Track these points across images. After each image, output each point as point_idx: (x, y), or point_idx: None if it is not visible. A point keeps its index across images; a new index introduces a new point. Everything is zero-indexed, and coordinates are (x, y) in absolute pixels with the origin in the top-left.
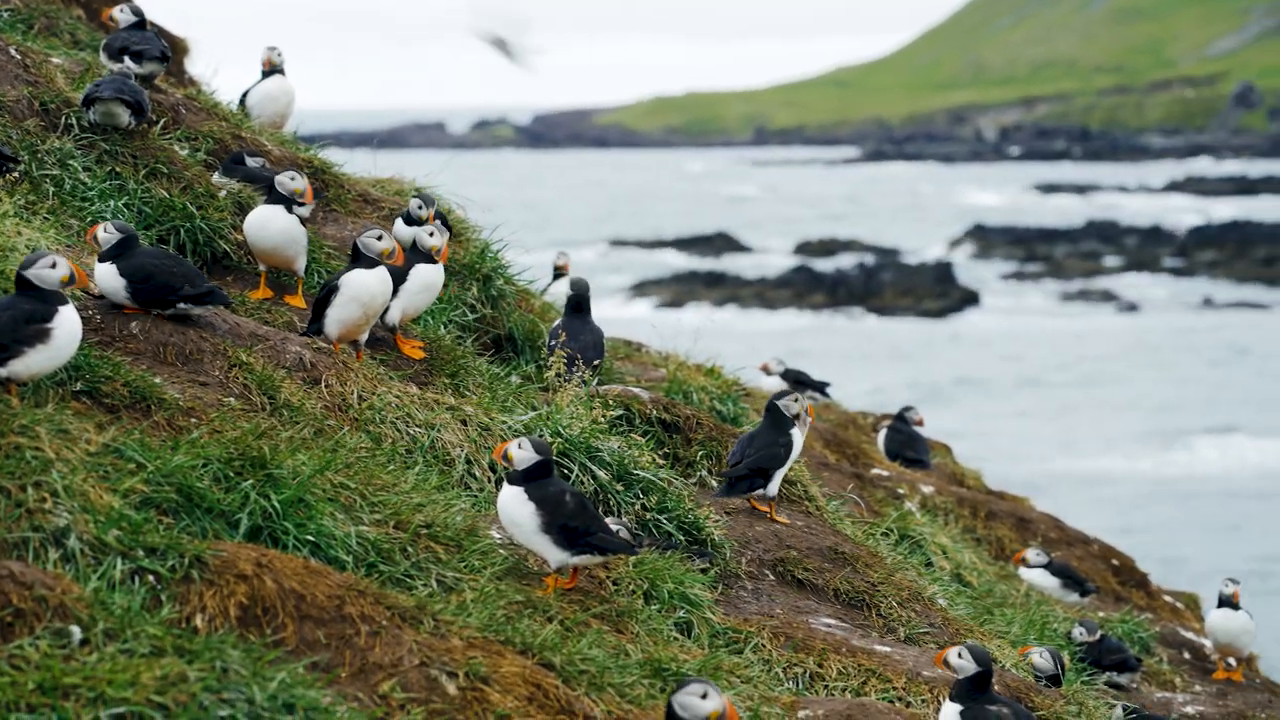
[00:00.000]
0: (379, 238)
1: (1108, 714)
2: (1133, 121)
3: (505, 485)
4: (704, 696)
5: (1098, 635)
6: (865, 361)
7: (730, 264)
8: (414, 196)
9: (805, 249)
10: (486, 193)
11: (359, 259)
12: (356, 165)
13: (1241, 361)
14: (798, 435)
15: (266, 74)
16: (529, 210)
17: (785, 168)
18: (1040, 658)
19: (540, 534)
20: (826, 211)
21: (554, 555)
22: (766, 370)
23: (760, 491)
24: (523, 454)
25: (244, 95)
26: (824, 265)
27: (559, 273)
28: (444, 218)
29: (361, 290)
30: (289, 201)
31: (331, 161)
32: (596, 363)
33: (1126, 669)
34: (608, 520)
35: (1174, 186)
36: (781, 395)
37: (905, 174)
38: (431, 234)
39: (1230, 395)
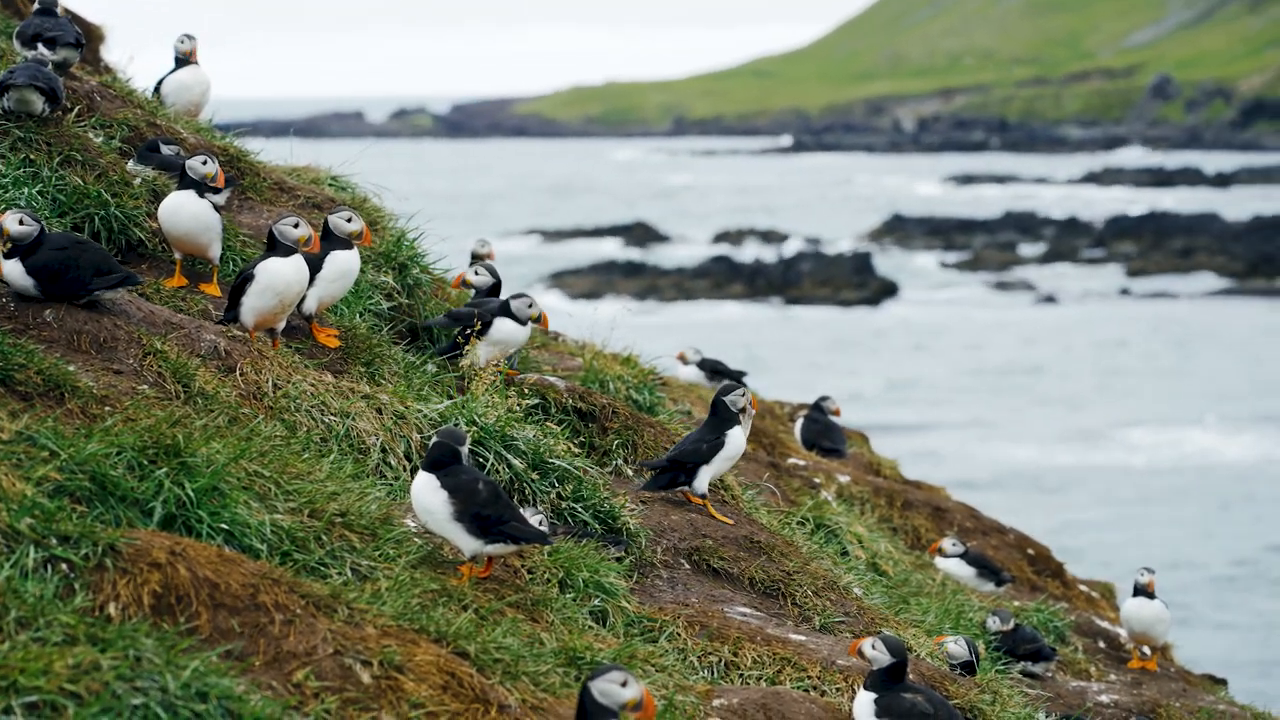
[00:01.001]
0: (295, 225)
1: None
2: (1050, 113)
3: (419, 473)
4: (624, 685)
5: (1012, 625)
6: (784, 351)
7: (649, 254)
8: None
9: (724, 239)
10: (404, 182)
11: (275, 247)
12: (274, 154)
13: (1159, 352)
14: (736, 434)
15: (180, 62)
16: (447, 200)
17: (704, 158)
18: (955, 645)
19: (453, 522)
20: (745, 202)
21: (467, 544)
22: (683, 359)
23: (684, 488)
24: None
25: (158, 83)
26: (743, 255)
27: (477, 261)
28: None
29: (277, 279)
30: (201, 186)
31: (247, 149)
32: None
33: (1041, 658)
34: (524, 509)
35: (1091, 178)
36: (728, 390)
37: (824, 164)
38: (350, 219)
39: (1148, 385)
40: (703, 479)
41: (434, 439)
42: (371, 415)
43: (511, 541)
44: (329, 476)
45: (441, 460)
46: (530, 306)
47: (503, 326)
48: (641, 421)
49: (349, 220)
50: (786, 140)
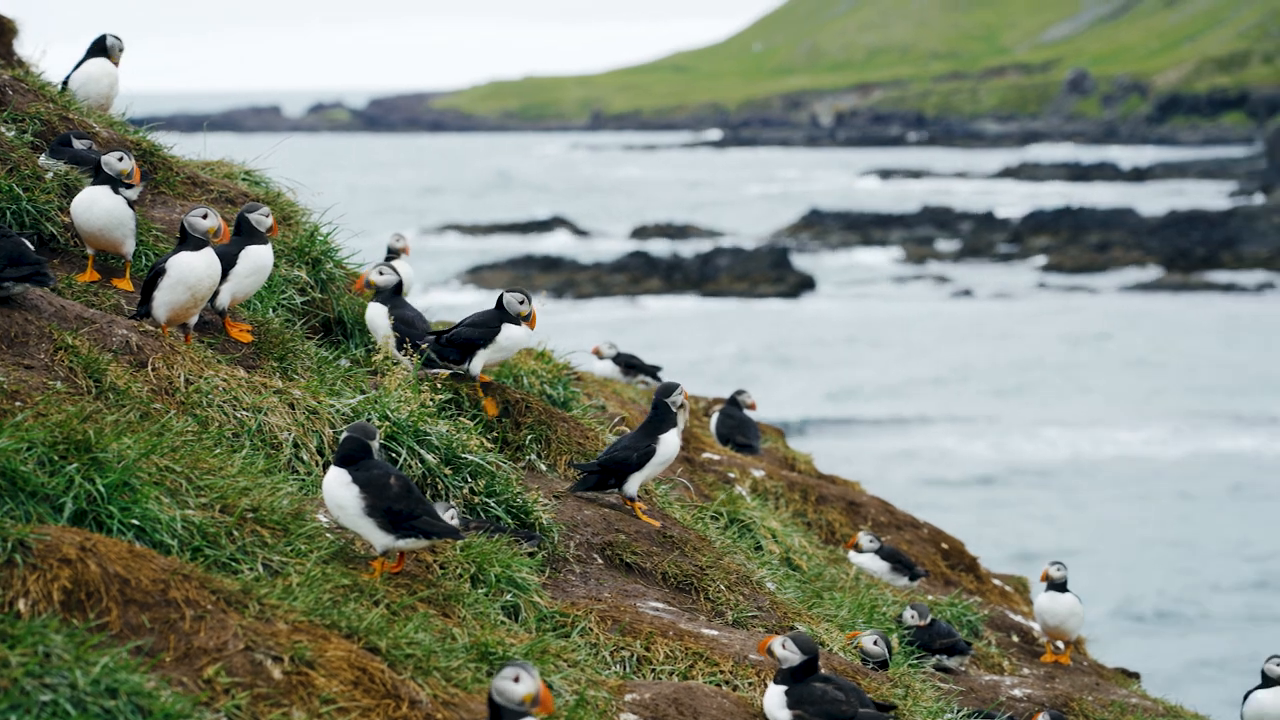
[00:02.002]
0: (204, 216)
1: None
2: (967, 108)
3: (330, 468)
4: (516, 680)
5: (928, 619)
6: (700, 346)
7: (567, 249)
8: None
9: (642, 233)
10: (320, 176)
11: (186, 240)
12: (188, 149)
13: (1074, 347)
14: (669, 439)
15: (89, 55)
16: (363, 194)
17: (622, 153)
18: (870, 642)
19: (365, 517)
20: (663, 196)
21: (379, 539)
22: (598, 354)
23: (615, 491)
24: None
25: (66, 78)
26: (660, 250)
27: (393, 256)
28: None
29: (189, 273)
30: (116, 182)
31: (161, 144)
32: (424, 345)
33: (956, 652)
34: (437, 505)
35: (1008, 173)
36: (669, 390)
37: (741, 159)
38: (265, 215)
39: (1063, 380)
40: (633, 483)
41: (345, 434)
42: (284, 410)
43: (423, 536)
44: (241, 472)
45: (352, 455)
46: (522, 303)
47: (511, 333)
48: (555, 416)
49: (265, 215)
50: (705, 135)
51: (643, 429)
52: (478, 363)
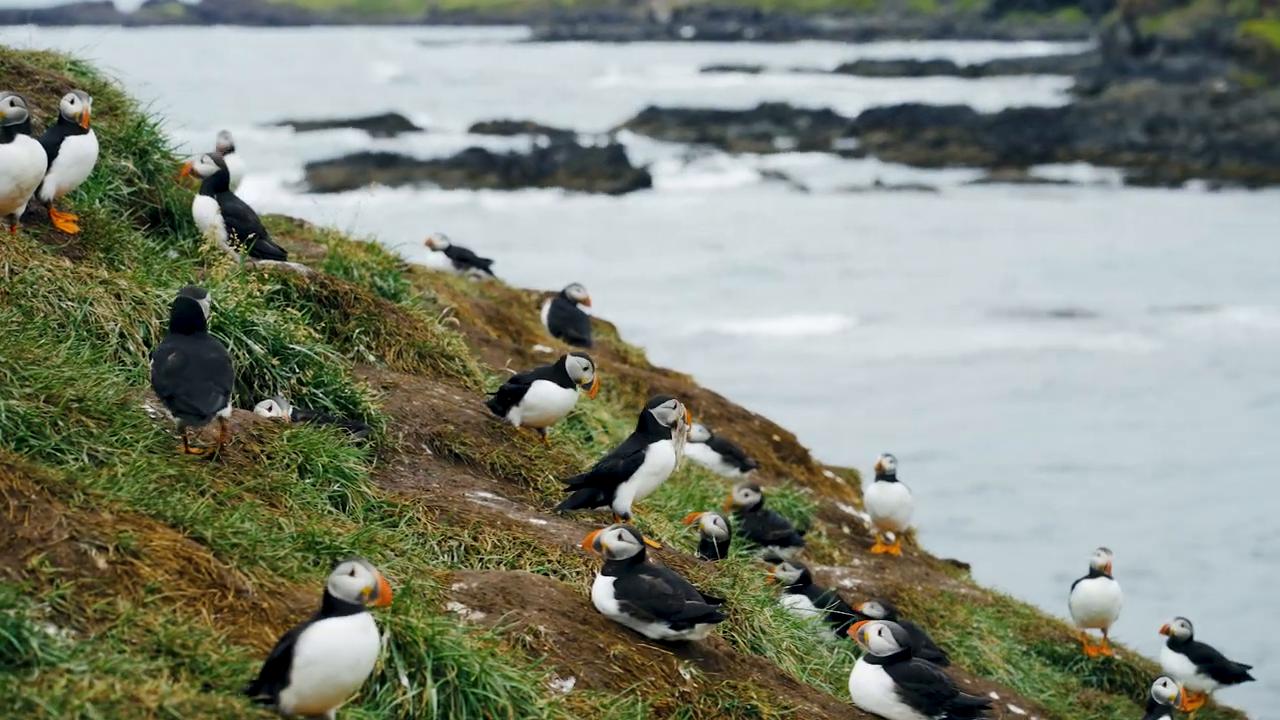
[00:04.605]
0: (11, 104)
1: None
2: (804, 3)
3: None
4: (352, 574)
5: (759, 497)
6: (538, 240)
7: (404, 144)
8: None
9: (479, 129)
10: (151, 70)
11: (8, 132)
12: (14, 39)
13: (907, 240)
14: (660, 449)
15: None
16: (195, 88)
17: (459, 48)
18: (711, 521)
19: None
20: (500, 92)
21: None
22: (431, 245)
23: (605, 507)
24: None
25: None
26: (498, 146)
27: (225, 153)
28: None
29: (12, 163)
30: None
31: None
32: (251, 236)
33: (790, 544)
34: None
35: (845, 69)
36: (657, 402)
37: (579, 55)
38: (73, 100)
39: (898, 275)
40: (624, 497)
41: (176, 297)
42: (110, 301)
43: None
44: (66, 362)
45: (184, 319)
46: (585, 369)
47: (539, 391)
48: (385, 308)
49: (72, 102)
50: (542, 30)
51: (631, 439)
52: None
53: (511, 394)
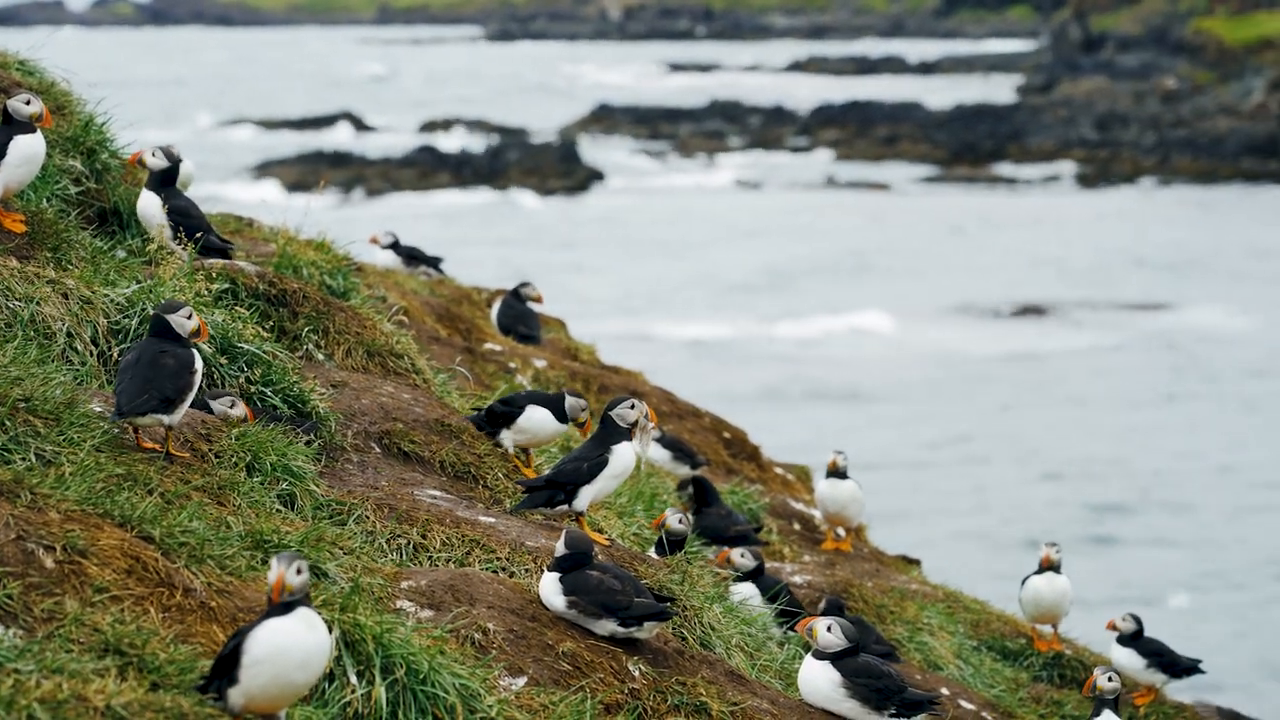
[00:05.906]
0: None
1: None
2: (755, 1)
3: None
4: (298, 572)
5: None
6: (488, 240)
7: (355, 144)
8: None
9: (430, 128)
10: (101, 70)
11: None
12: None
13: (861, 239)
14: (623, 451)
15: None
16: (145, 87)
17: (410, 47)
18: (675, 520)
19: None
20: (451, 91)
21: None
22: (376, 242)
23: (564, 507)
24: None
25: None
26: (449, 144)
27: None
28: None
29: None
30: None
31: None
32: (199, 234)
33: (749, 542)
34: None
35: (796, 66)
36: (616, 403)
37: (530, 53)
38: (28, 101)
39: (847, 273)
40: (583, 499)
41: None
42: (57, 300)
43: None
44: (12, 361)
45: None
46: (583, 410)
47: (535, 417)
48: (334, 306)
49: (27, 103)
50: (493, 29)
51: (592, 441)
52: (506, 438)
53: (503, 416)
